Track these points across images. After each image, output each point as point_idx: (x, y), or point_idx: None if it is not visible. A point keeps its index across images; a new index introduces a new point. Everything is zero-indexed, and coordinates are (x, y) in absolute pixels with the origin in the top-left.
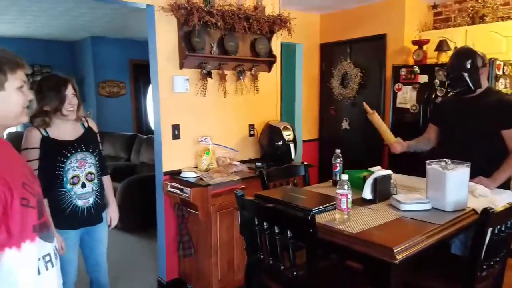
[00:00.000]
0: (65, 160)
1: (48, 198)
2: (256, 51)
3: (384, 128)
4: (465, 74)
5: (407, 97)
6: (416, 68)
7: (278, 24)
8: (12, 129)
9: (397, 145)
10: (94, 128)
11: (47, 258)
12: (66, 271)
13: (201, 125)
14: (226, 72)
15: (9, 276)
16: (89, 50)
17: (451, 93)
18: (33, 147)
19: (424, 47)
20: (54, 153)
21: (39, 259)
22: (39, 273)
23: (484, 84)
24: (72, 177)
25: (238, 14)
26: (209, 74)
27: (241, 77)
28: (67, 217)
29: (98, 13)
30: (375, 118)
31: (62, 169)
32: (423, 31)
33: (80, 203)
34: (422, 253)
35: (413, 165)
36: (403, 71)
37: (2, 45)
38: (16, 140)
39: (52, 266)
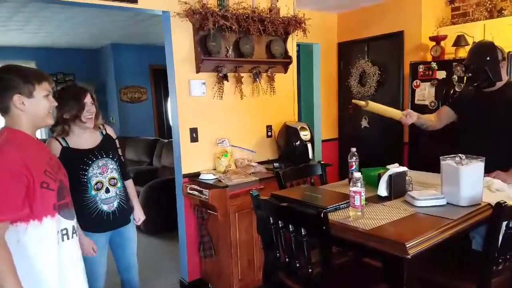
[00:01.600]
0: (87, 167)
1: (75, 204)
2: (272, 52)
3: (387, 110)
4: (486, 68)
5: (425, 93)
6: (434, 64)
7: (293, 25)
8: (39, 136)
9: (406, 118)
10: (112, 135)
11: (64, 232)
12: (96, 272)
13: (218, 127)
14: (242, 74)
15: (33, 242)
16: (110, 57)
17: (469, 87)
18: None
19: (442, 43)
20: (76, 162)
21: (58, 232)
22: (57, 242)
23: (504, 77)
24: (96, 183)
25: (252, 16)
26: (225, 77)
27: (257, 79)
28: (94, 221)
29: (116, 21)
30: (372, 106)
31: (85, 177)
32: (440, 27)
33: (105, 207)
34: (436, 248)
35: (431, 162)
36: (421, 68)
37: (25, 55)
38: None
39: (68, 238)
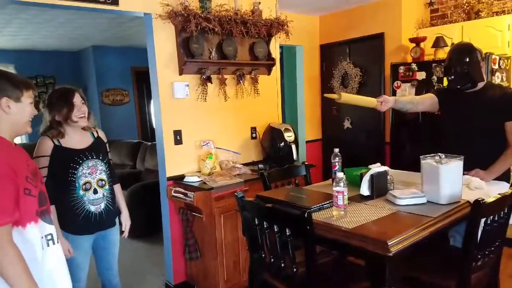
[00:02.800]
0: (77, 166)
1: (61, 205)
2: (255, 54)
3: (361, 100)
4: (467, 69)
5: (406, 94)
6: (414, 66)
7: (276, 27)
8: (19, 141)
9: (382, 105)
10: (104, 138)
11: (49, 237)
12: (78, 276)
13: (203, 129)
14: (226, 76)
15: (20, 248)
16: (91, 60)
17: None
18: (44, 155)
19: (422, 44)
20: (67, 161)
21: (42, 237)
22: (42, 248)
23: (484, 78)
24: (84, 183)
25: (235, 19)
26: (209, 79)
27: (241, 81)
28: (81, 222)
29: (97, 23)
30: (346, 98)
31: (74, 176)
32: (420, 29)
33: (92, 208)
34: (417, 246)
35: (413, 161)
36: (401, 69)
37: (4, 58)
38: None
39: (53, 243)
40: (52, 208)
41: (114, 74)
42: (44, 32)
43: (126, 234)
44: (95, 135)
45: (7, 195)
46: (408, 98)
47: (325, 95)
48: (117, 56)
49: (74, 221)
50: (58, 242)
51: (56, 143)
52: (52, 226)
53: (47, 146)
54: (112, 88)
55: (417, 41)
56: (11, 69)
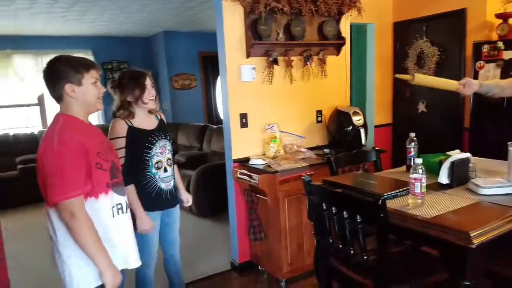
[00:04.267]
0: (151, 146)
1: (136, 183)
2: (324, 34)
3: (439, 82)
4: None
5: (489, 75)
6: (500, 44)
7: (347, 4)
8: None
9: (465, 88)
10: (165, 120)
11: (119, 206)
12: (149, 250)
13: (268, 113)
14: (292, 58)
15: (92, 217)
16: (162, 45)
17: None
18: (120, 136)
19: (510, 21)
20: (142, 141)
21: (112, 207)
22: (113, 216)
23: None
24: (157, 162)
25: None
26: (275, 61)
27: (308, 63)
28: (154, 199)
29: (169, 8)
30: (421, 79)
31: (148, 155)
32: (508, 3)
33: (163, 186)
34: (503, 239)
35: (496, 149)
36: (485, 48)
37: (82, 44)
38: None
39: (123, 212)
40: (132, 187)
41: (183, 58)
42: (120, 19)
43: (189, 203)
44: (159, 117)
45: (79, 170)
46: (494, 82)
47: (397, 75)
48: (185, 41)
49: (148, 198)
50: (127, 212)
51: (129, 124)
52: (122, 197)
53: (122, 127)
54: (181, 73)
55: (504, 16)
56: (89, 55)
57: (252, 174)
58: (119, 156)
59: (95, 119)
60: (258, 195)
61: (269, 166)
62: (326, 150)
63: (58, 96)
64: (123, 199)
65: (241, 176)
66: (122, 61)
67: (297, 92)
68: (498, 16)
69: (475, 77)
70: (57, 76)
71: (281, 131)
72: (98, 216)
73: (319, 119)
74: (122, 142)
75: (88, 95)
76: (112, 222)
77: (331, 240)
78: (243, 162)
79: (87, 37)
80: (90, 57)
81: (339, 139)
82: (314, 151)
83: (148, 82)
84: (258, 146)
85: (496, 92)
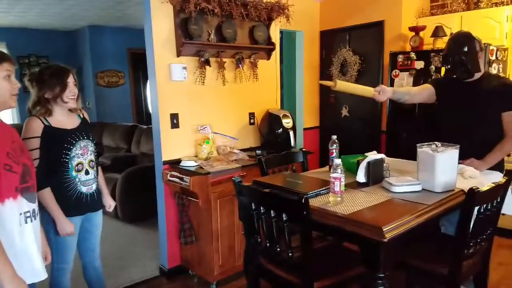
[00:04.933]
0: (71, 147)
1: (54, 186)
2: (255, 38)
3: (358, 89)
4: (465, 59)
5: (403, 83)
6: (413, 55)
7: (277, 11)
8: (10, 122)
9: (380, 95)
10: (88, 120)
11: (27, 214)
12: (67, 258)
13: (200, 113)
14: (224, 60)
15: None
16: (87, 40)
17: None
18: (35, 136)
19: (421, 34)
20: (60, 141)
21: (20, 214)
22: (20, 224)
23: (482, 68)
24: (77, 164)
25: (235, 0)
26: (207, 62)
27: (240, 65)
28: (74, 203)
29: (94, 1)
30: (341, 85)
31: (68, 156)
32: (420, 17)
33: (84, 189)
34: (412, 233)
35: (409, 150)
36: (400, 58)
37: None
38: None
39: (31, 221)
40: (48, 190)
41: (110, 55)
42: (38, 10)
43: (112, 208)
44: (81, 116)
45: None
46: (406, 89)
47: (320, 82)
48: (113, 37)
49: (67, 202)
50: (36, 219)
51: (46, 123)
52: (32, 204)
53: (36, 126)
54: (107, 70)
55: (416, 30)
56: (2, 47)
57: (183, 176)
58: (32, 157)
59: (8, 117)
60: (189, 198)
61: (201, 167)
62: (258, 152)
63: None
64: (32, 206)
65: (171, 178)
66: (41, 56)
67: (230, 94)
68: (411, 29)
69: (391, 84)
70: None
71: (214, 133)
72: (3, 223)
73: (252, 121)
74: (36, 143)
75: None
76: (19, 230)
77: (259, 239)
78: (174, 164)
79: (0, 28)
80: (3, 49)
81: (271, 140)
82: (247, 153)
83: (71, 80)
84: (190, 147)
85: (407, 98)
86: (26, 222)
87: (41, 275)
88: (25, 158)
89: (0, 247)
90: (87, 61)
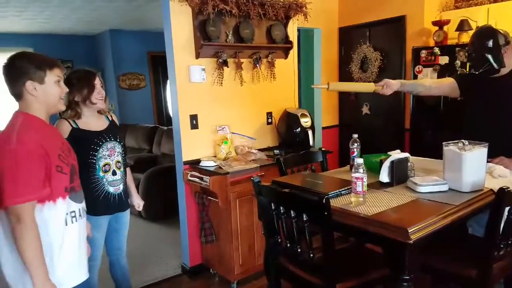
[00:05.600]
0: (98, 148)
1: (82, 186)
2: (272, 37)
3: (354, 86)
4: (487, 54)
5: (427, 79)
6: (437, 50)
7: (294, 9)
8: None
9: (384, 89)
10: (117, 122)
11: (73, 214)
12: (94, 255)
13: (218, 114)
14: (242, 60)
15: (45, 223)
16: (108, 44)
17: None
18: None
19: (445, 28)
20: (87, 143)
21: (66, 214)
22: (66, 224)
23: (509, 63)
24: (104, 165)
25: (252, 0)
26: (225, 63)
27: (257, 65)
28: (102, 203)
29: (114, 6)
30: (336, 86)
31: (95, 158)
32: (443, 11)
33: (111, 189)
34: (438, 234)
35: (434, 148)
36: (423, 53)
37: (23, 41)
38: None
39: (76, 220)
40: None
41: (131, 58)
42: (62, 16)
43: (140, 208)
44: (110, 118)
45: (36, 172)
46: (419, 81)
47: (312, 86)
48: (133, 40)
49: (94, 202)
50: (81, 219)
51: (74, 125)
52: (78, 204)
53: (64, 128)
54: (129, 73)
55: (440, 24)
56: None
57: (203, 176)
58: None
59: None
60: (209, 197)
61: (220, 167)
62: (276, 151)
63: (18, 94)
64: (77, 207)
65: (191, 178)
66: (66, 60)
67: (247, 94)
68: (434, 23)
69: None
70: (17, 72)
71: (233, 133)
72: (52, 222)
73: (270, 120)
74: None
75: (50, 94)
76: (63, 231)
77: (279, 240)
78: (194, 164)
79: (27, 34)
80: None
81: (289, 140)
82: (265, 152)
83: (98, 81)
84: (209, 147)
85: (421, 90)
86: (72, 222)
87: (82, 276)
88: (72, 158)
89: (39, 250)
90: (109, 65)
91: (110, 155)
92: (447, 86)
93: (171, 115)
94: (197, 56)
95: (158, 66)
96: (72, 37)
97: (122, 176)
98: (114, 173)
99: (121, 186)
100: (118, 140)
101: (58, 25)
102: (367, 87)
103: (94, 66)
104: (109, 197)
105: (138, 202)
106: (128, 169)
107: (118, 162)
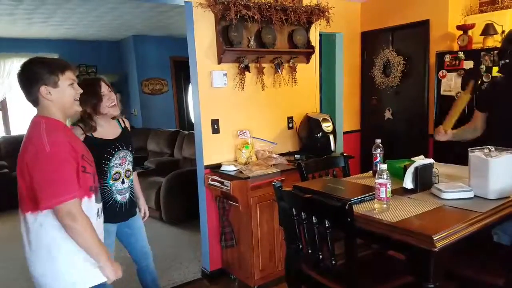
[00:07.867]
0: (110, 157)
1: None
2: (294, 42)
3: (455, 113)
4: None
5: (451, 84)
6: (461, 54)
7: (316, 14)
8: None
9: (443, 135)
10: (129, 127)
11: (97, 213)
12: None
13: (240, 119)
14: (263, 65)
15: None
16: (132, 49)
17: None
18: None
19: (469, 32)
20: (101, 151)
21: (93, 211)
22: (96, 220)
23: None
24: (115, 173)
25: (275, 6)
26: (247, 68)
27: (279, 70)
28: (107, 211)
29: (139, 12)
30: (464, 99)
31: (107, 166)
32: (468, 15)
33: (119, 198)
34: (464, 242)
35: (459, 155)
36: (447, 58)
37: (48, 47)
38: None
39: (99, 218)
40: None
41: (154, 63)
42: (87, 22)
43: (146, 218)
44: (122, 125)
45: (73, 171)
46: (463, 129)
47: (471, 82)
48: (156, 46)
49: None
50: (101, 218)
51: (88, 134)
52: (97, 204)
53: (78, 135)
54: (152, 78)
55: (464, 28)
56: None
57: (223, 180)
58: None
59: None
60: (230, 202)
61: (240, 172)
62: (297, 156)
63: (34, 99)
64: (98, 206)
65: (212, 182)
66: (90, 65)
67: (268, 98)
68: (458, 27)
69: (438, 84)
70: (31, 78)
71: (253, 137)
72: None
73: (290, 125)
74: None
75: (65, 97)
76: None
77: (301, 246)
78: (215, 168)
79: (53, 40)
80: None
81: (310, 145)
82: (286, 157)
83: (104, 88)
84: (230, 152)
85: (470, 136)
86: (96, 221)
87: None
88: (92, 160)
89: (98, 238)
90: (132, 70)
91: (121, 164)
92: (479, 121)
93: (193, 120)
94: (219, 61)
95: (180, 71)
96: (96, 43)
97: (130, 185)
98: (123, 182)
99: (127, 195)
100: (130, 149)
101: (83, 31)
102: (450, 123)
103: (118, 71)
104: (115, 206)
105: (144, 211)
106: (134, 173)
107: (128, 171)
